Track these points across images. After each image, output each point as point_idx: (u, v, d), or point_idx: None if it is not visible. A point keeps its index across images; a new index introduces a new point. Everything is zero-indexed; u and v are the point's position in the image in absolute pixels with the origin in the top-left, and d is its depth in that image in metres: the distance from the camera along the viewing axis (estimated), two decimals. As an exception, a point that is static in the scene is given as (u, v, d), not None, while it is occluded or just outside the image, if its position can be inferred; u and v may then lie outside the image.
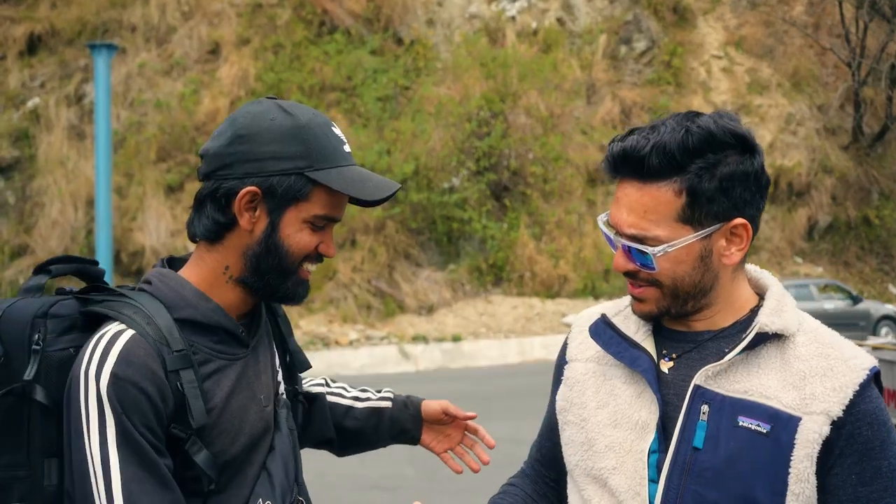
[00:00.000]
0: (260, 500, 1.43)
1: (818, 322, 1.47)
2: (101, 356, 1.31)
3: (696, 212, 1.37)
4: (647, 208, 1.38)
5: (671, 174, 1.36)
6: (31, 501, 1.35)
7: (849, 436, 1.34)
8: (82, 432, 1.29)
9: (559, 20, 22.75)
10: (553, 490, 1.70)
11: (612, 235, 1.44)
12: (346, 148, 1.50)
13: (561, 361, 1.64)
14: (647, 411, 1.43)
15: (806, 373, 1.37)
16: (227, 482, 1.40)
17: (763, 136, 22.31)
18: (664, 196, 1.37)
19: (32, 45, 20.68)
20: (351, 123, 20.13)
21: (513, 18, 22.44)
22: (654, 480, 1.41)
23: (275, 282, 1.45)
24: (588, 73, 22.34)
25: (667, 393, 1.44)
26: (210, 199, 1.43)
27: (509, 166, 19.84)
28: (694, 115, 1.41)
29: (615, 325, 1.51)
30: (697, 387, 1.40)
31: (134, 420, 1.29)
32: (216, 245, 1.45)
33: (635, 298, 1.46)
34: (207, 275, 1.46)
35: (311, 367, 1.65)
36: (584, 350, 1.58)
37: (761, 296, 1.49)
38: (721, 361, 1.40)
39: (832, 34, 23.28)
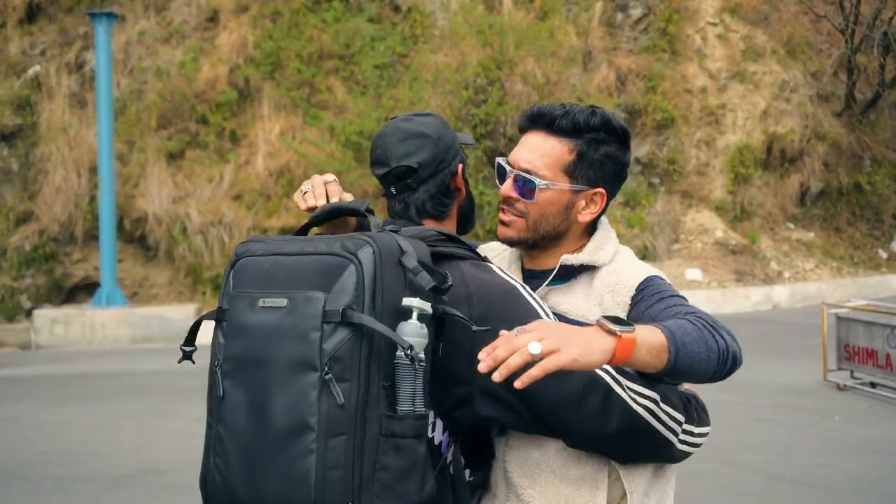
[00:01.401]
0: None
1: (630, 255, 1.90)
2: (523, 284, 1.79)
3: (577, 170, 1.84)
4: (544, 153, 1.84)
5: (571, 135, 1.83)
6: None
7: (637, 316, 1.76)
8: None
9: (556, -13, 22.85)
10: None
11: (507, 168, 1.89)
12: None
13: None
14: None
15: (602, 291, 1.82)
16: None
17: (757, 103, 22.53)
18: (561, 149, 1.83)
19: (32, 13, 20.82)
20: (349, 91, 20.33)
21: (509, -15, 22.54)
22: None
23: (472, 218, 2.04)
24: (584, 40, 22.47)
25: None
26: (439, 190, 1.92)
27: (506, 133, 20.07)
28: (600, 108, 1.90)
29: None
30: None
31: None
32: (445, 218, 1.96)
33: (503, 223, 1.91)
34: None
35: None
36: None
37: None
38: (540, 289, 1.85)
39: (826, 1, 23.40)
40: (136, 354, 15.04)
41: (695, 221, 21.28)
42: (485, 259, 1.82)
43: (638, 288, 1.78)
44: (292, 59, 20.33)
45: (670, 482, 1.88)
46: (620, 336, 1.47)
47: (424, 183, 1.90)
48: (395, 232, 1.69)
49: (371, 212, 1.79)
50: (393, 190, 1.94)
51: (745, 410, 8.77)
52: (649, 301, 1.76)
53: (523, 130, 1.93)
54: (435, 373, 1.61)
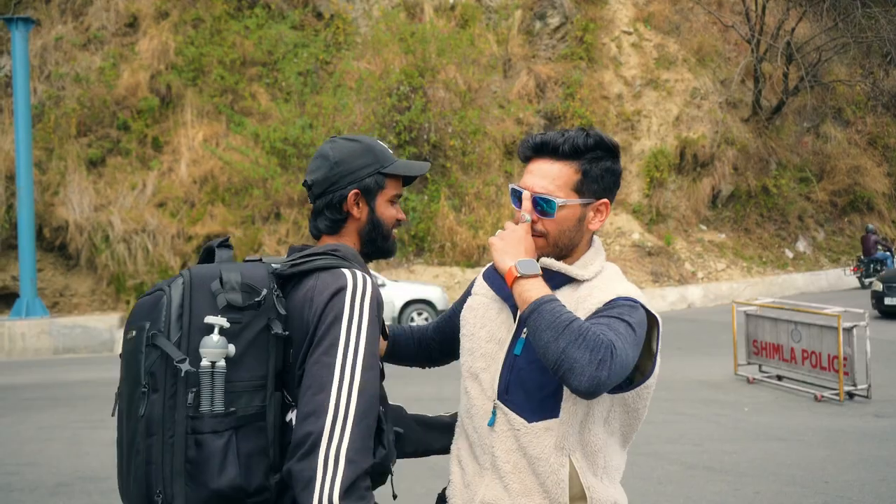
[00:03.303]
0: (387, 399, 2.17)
1: (612, 276, 2.14)
2: (363, 286, 1.96)
3: (584, 186, 2.10)
4: (555, 177, 2.09)
5: (574, 157, 2.09)
6: (268, 405, 1.91)
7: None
8: (342, 322, 1.90)
9: (476, -5, 23.27)
10: (432, 349, 2.52)
11: (523, 192, 2.12)
12: (390, 150, 2.27)
13: (466, 292, 2.39)
14: (506, 331, 2.15)
15: (580, 300, 2.06)
16: None
17: (670, 110, 23.36)
18: (568, 171, 2.09)
19: (-58, 17, 20.26)
20: (273, 98, 20.34)
21: (430, -7, 22.86)
22: None
23: (381, 244, 2.19)
24: (504, 48, 22.95)
25: (517, 317, 2.14)
26: (327, 208, 2.13)
27: (429, 140, 20.38)
28: (590, 128, 2.16)
29: None
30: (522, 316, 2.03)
31: (375, 324, 1.96)
32: (338, 235, 2.16)
33: None
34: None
35: None
36: (480, 289, 2.30)
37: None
38: None
39: (734, 11, 24.41)
40: (59, 365, 14.81)
41: (613, 224, 21.95)
42: (365, 271, 2.07)
43: (605, 303, 2.02)
44: (215, 66, 20.24)
45: (619, 472, 2.17)
46: (509, 269, 1.98)
47: (318, 199, 2.14)
48: (258, 260, 2.04)
49: (226, 246, 2.06)
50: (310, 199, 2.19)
51: (662, 405, 9.25)
52: (601, 315, 1.99)
53: (527, 160, 2.17)
54: (288, 359, 1.95)
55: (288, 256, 2.12)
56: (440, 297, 16.52)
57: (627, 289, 2.08)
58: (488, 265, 2.32)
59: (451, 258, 19.28)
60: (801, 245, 23.62)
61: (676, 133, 23.05)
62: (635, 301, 2.03)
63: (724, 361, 11.46)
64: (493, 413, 2.09)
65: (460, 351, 2.28)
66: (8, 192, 17.93)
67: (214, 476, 1.81)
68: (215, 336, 1.83)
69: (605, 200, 2.14)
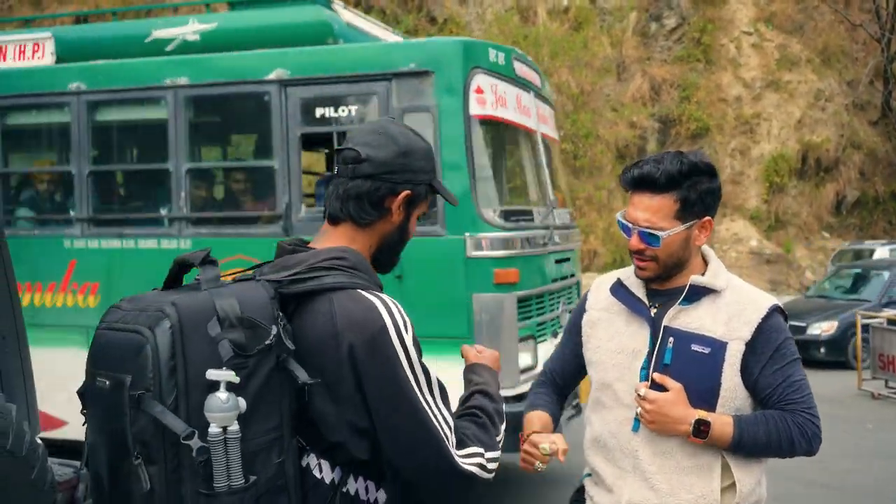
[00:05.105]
0: None
1: (742, 282, 2.29)
2: (402, 320, 1.65)
3: (685, 212, 2.18)
4: (656, 209, 2.17)
5: (671, 189, 2.16)
6: (286, 458, 1.57)
7: (757, 343, 2.17)
8: (398, 367, 1.61)
9: (590, -3, 23.05)
10: (561, 392, 2.56)
11: (630, 226, 2.21)
12: None
13: (581, 308, 2.48)
14: (640, 341, 2.26)
15: (730, 314, 2.19)
16: None
17: (792, 112, 22.54)
18: (667, 202, 2.17)
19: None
20: (386, 102, 20.66)
21: (544, -4, 22.78)
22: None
23: (394, 259, 1.88)
24: (618, 51, 22.64)
25: (652, 329, 2.25)
26: (368, 196, 1.76)
27: (540, 143, 20.29)
28: (682, 153, 2.22)
29: (626, 286, 2.34)
30: (666, 326, 2.21)
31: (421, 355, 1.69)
32: (366, 229, 1.79)
33: (639, 268, 2.26)
34: (362, 250, 1.80)
35: None
36: (598, 303, 2.41)
37: (707, 263, 2.34)
38: (672, 308, 2.23)
39: (862, 9, 23.34)
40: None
41: (729, 231, 21.32)
42: (377, 285, 1.75)
43: (763, 317, 2.18)
44: (331, 71, 20.72)
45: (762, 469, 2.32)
46: (691, 437, 2.13)
47: (361, 179, 1.76)
48: (252, 278, 1.66)
49: (210, 262, 1.64)
50: (336, 170, 1.81)
51: (779, 418, 8.92)
52: (777, 362, 2.18)
53: (628, 190, 2.25)
54: (306, 414, 1.62)
55: (276, 258, 1.77)
56: None
57: (766, 297, 2.25)
58: (603, 280, 2.47)
59: (560, 262, 19.12)
60: (934, 255, 22.37)
61: (798, 136, 22.22)
62: (779, 310, 2.23)
63: (847, 376, 10.96)
64: (636, 419, 2.22)
65: (587, 365, 2.41)
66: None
67: None
68: (222, 394, 1.46)
69: (708, 218, 2.21)
